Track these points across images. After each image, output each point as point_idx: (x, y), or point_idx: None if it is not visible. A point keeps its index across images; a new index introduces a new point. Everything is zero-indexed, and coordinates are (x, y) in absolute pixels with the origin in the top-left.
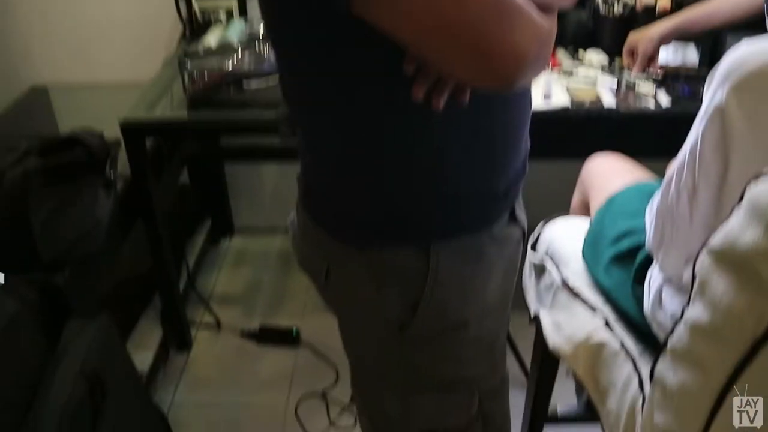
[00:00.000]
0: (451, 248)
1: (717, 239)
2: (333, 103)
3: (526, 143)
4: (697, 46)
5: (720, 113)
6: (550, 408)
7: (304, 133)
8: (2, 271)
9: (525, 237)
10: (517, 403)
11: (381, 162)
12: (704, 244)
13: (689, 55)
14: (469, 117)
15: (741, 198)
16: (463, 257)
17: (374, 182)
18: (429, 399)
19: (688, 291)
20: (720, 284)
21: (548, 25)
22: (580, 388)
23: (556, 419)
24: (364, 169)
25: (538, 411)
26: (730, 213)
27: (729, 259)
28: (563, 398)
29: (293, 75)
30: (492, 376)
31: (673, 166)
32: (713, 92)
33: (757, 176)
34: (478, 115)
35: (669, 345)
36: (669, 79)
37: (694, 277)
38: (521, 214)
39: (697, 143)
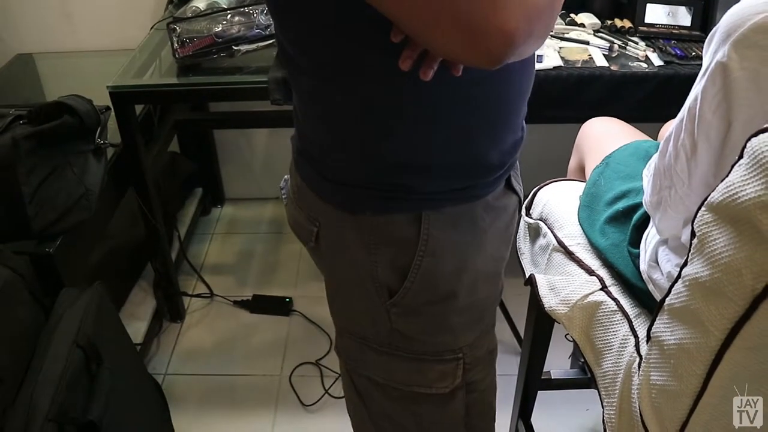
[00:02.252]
0: (444, 217)
1: (717, 194)
2: (328, 64)
3: (523, 113)
4: (689, 7)
5: (722, 71)
6: (544, 373)
7: (299, 94)
8: None
9: (521, 205)
10: (511, 369)
11: (373, 126)
12: (703, 201)
13: (681, 17)
14: (463, 86)
15: (741, 154)
16: (455, 226)
17: (366, 148)
18: (413, 366)
19: (684, 251)
20: (720, 239)
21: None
22: (574, 354)
23: (550, 384)
24: (357, 132)
25: (532, 376)
26: (730, 169)
27: (729, 213)
28: (557, 363)
29: (290, 33)
30: (480, 347)
31: (672, 126)
32: (714, 50)
33: (758, 132)
34: (474, 85)
35: (666, 303)
36: (660, 40)
37: (693, 235)
38: (517, 183)
39: (696, 102)
